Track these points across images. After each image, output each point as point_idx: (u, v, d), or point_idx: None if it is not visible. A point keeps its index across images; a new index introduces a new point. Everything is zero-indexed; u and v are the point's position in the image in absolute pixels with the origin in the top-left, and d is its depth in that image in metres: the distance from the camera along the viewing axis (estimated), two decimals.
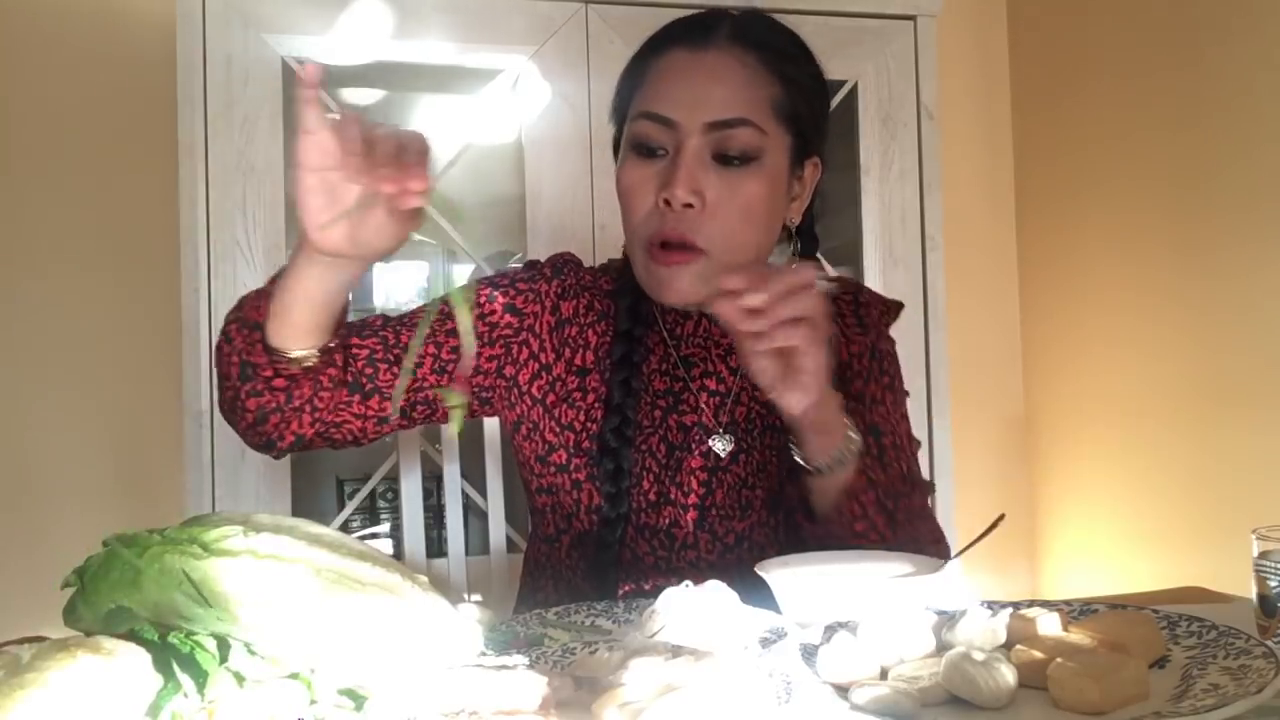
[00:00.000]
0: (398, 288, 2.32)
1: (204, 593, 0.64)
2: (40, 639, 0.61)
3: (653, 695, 0.58)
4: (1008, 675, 0.62)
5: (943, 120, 2.17)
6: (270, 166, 1.80)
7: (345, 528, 1.95)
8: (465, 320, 0.92)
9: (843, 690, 0.64)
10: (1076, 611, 0.77)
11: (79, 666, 0.54)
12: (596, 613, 0.91)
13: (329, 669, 0.62)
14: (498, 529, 1.42)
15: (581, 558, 1.10)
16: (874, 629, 0.68)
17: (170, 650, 0.59)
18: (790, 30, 1.10)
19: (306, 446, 1.05)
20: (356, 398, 1.04)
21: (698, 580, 1.05)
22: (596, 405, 1.09)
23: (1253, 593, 0.76)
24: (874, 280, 2.05)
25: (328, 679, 0.61)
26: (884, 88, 2.09)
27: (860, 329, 1.15)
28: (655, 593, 1.05)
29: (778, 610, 0.82)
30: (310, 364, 0.98)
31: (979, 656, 0.62)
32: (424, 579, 0.70)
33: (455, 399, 0.81)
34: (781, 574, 0.86)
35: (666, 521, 1.08)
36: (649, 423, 1.09)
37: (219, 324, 1.73)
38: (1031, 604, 0.75)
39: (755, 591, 0.84)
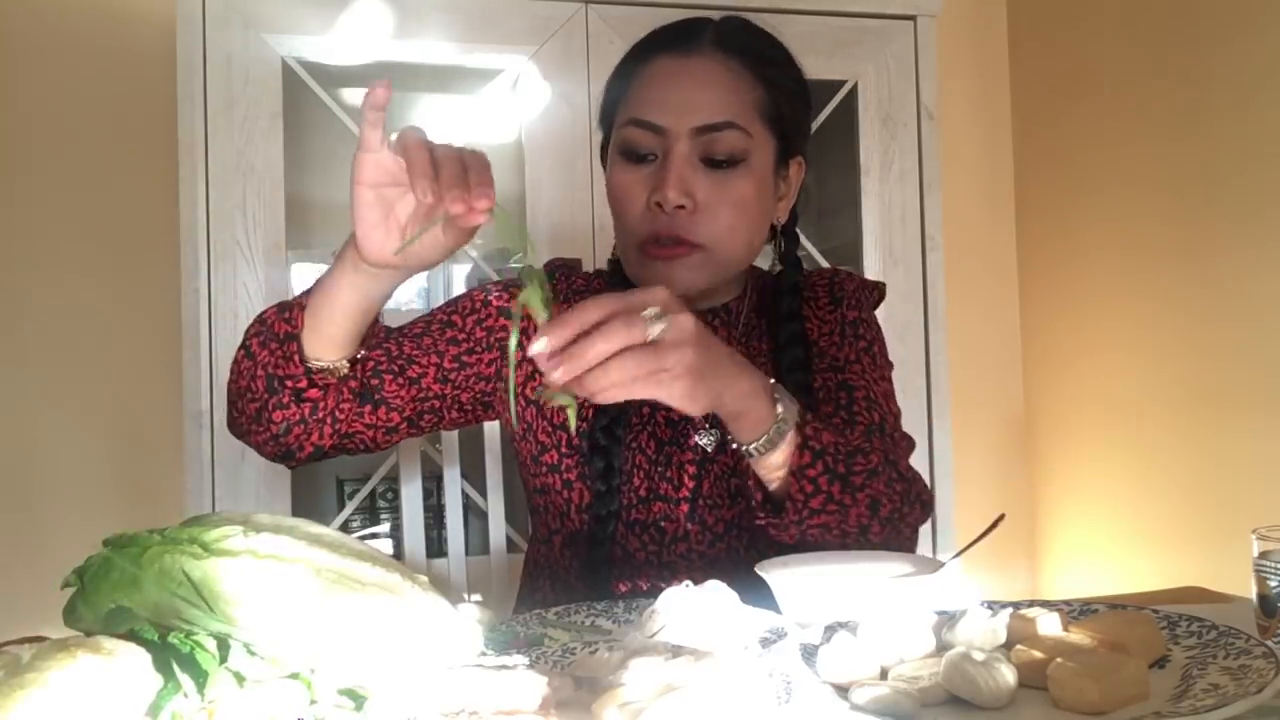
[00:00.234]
0: (397, 287, 2.32)
1: (204, 593, 0.64)
2: (40, 639, 0.61)
3: (653, 695, 0.58)
4: (1008, 675, 0.62)
5: (943, 120, 2.17)
6: (270, 166, 1.80)
7: (345, 528, 1.95)
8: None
9: (843, 690, 0.64)
10: (1076, 611, 0.77)
11: (79, 666, 0.54)
12: (596, 613, 0.91)
13: (329, 669, 0.62)
14: (498, 529, 1.42)
15: (575, 556, 1.11)
16: (874, 629, 0.68)
17: (170, 650, 0.59)
18: (771, 34, 1.12)
19: (323, 456, 1.06)
20: (367, 408, 1.06)
21: (689, 571, 1.06)
22: (586, 405, 1.10)
23: (1253, 593, 0.76)
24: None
25: (328, 679, 0.61)
26: (884, 88, 2.08)
27: (832, 306, 1.17)
28: (651, 589, 1.06)
29: (778, 610, 0.82)
30: (344, 373, 0.99)
31: (979, 656, 0.62)
32: (424, 579, 0.70)
33: (564, 399, 0.80)
34: (781, 574, 0.86)
35: (657, 516, 1.09)
36: (638, 420, 1.11)
37: (219, 324, 1.76)
38: (1031, 604, 0.75)
39: (747, 580, 0.85)
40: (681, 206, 1.03)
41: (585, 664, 0.67)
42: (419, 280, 2.30)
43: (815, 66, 2.02)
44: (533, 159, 1.93)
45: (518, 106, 1.95)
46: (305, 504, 1.90)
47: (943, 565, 0.85)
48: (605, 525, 1.07)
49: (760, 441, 0.91)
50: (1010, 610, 0.71)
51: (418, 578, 0.69)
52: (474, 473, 1.57)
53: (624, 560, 1.09)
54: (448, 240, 0.86)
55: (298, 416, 0.99)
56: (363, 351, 1.01)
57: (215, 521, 0.68)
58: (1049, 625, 0.70)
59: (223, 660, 0.60)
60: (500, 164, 2.27)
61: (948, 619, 0.70)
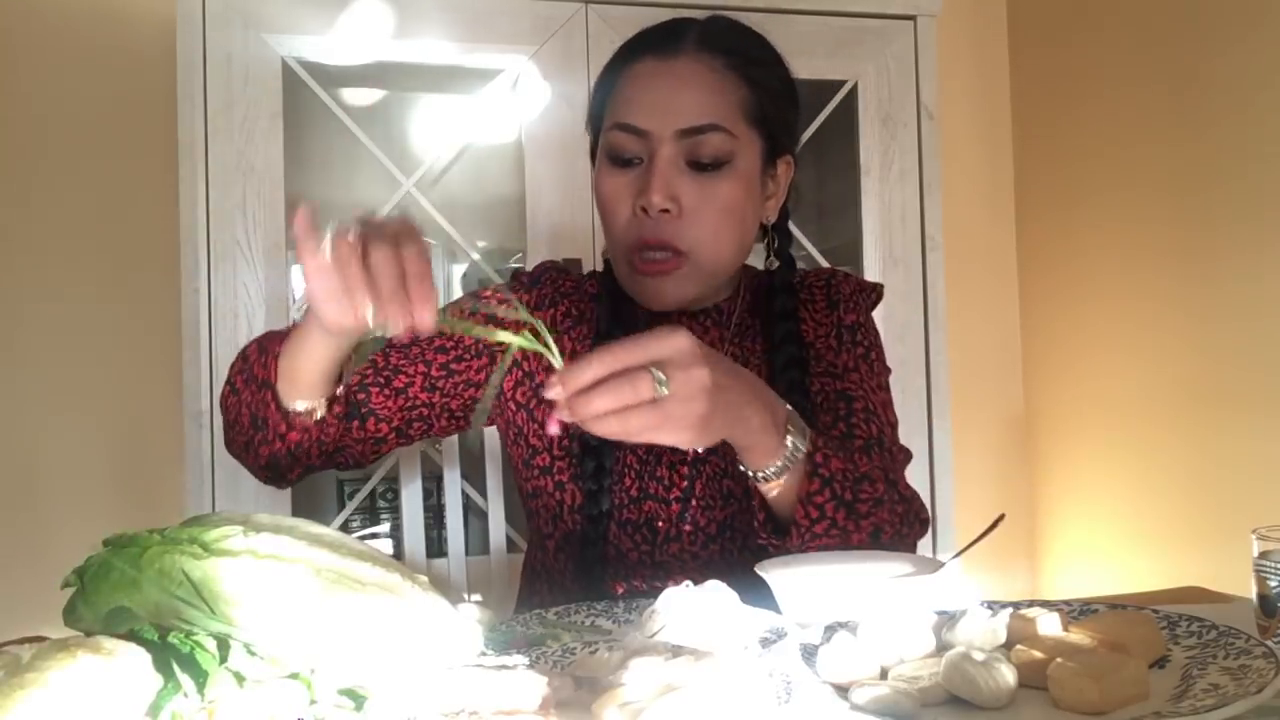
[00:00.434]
0: None
1: (204, 593, 0.64)
2: (40, 639, 0.61)
3: (653, 695, 0.58)
4: (1008, 675, 0.62)
5: (943, 120, 2.17)
6: (270, 166, 1.80)
7: (345, 528, 1.95)
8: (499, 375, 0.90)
9: (843, 690, 0.64)
10: (1076, 611, 0.77)
11: (79, 666, 0.54)
12: (596, 613, 0.91)
13: (329, 669, 0.62)
14: (498, 529, 1.42)
15: (569, 558, 1.11)
16: (874, 629, 0.68)
17: (170, 650, 0.59)
18: (757, 33, 1.12)
19: (314, 473, 1.08)
20: (355, 423, 1.07)
21: (683, 571, 1.06)
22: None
23: (1253, 593, 0.76)
24: (874, 280, 2.05)
25: (328, 679, 0.61)
26: (884, 88, 2.08)
27: (829, 308, 1.17)
28: (646, 589, 1.06)
29: (778, 610, 0.82)
30: (320, 415, 1.00)
31: (979, 656, 0.62)
32: (424, 579, 0.70)
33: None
34: (781, 574, 0.86)
35: (649, 515, 1.08)
36: None
37: (219, 324, 1.76)
38: (1031, 604, 0.75)
39: (742, 580, 0.85)
40: (666, 210, 1.03)
41: (585, 664, 0.67)
42: None
43: (815, 66, 2.05)
44: (533, 159, 1.93)
45: (518, 106, 1.95)
46: (305, 504, 1.90)
47: (943, 565, 0.85)
48: (598, 525, 1.07)
49: (769, 471, 0.92)
50: (1010, 610, 0.71)
51: (418, 578, 0.69)
52: (474, 473, 1.57)
53: (617, 560, 1.09)
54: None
55: (283, 451, 1.01)
56: (340, 388, 1.01)
57: (215, 521, 0.68)
58: (1049, 625, 0.70)
59: (223, 660, 0.60)
60: (500, 164, 2.28)
61: (948, 619, 0.70)
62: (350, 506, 1.96)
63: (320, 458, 1.05)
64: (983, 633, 0.68)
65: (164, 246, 1.89)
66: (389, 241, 0.79)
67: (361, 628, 0.64)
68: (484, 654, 0.69)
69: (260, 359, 0.99)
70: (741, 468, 0.94)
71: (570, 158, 1.91)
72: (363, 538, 1.35)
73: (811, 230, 2.17)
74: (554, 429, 0.82)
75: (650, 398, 0.79)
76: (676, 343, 0.81)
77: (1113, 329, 2.18)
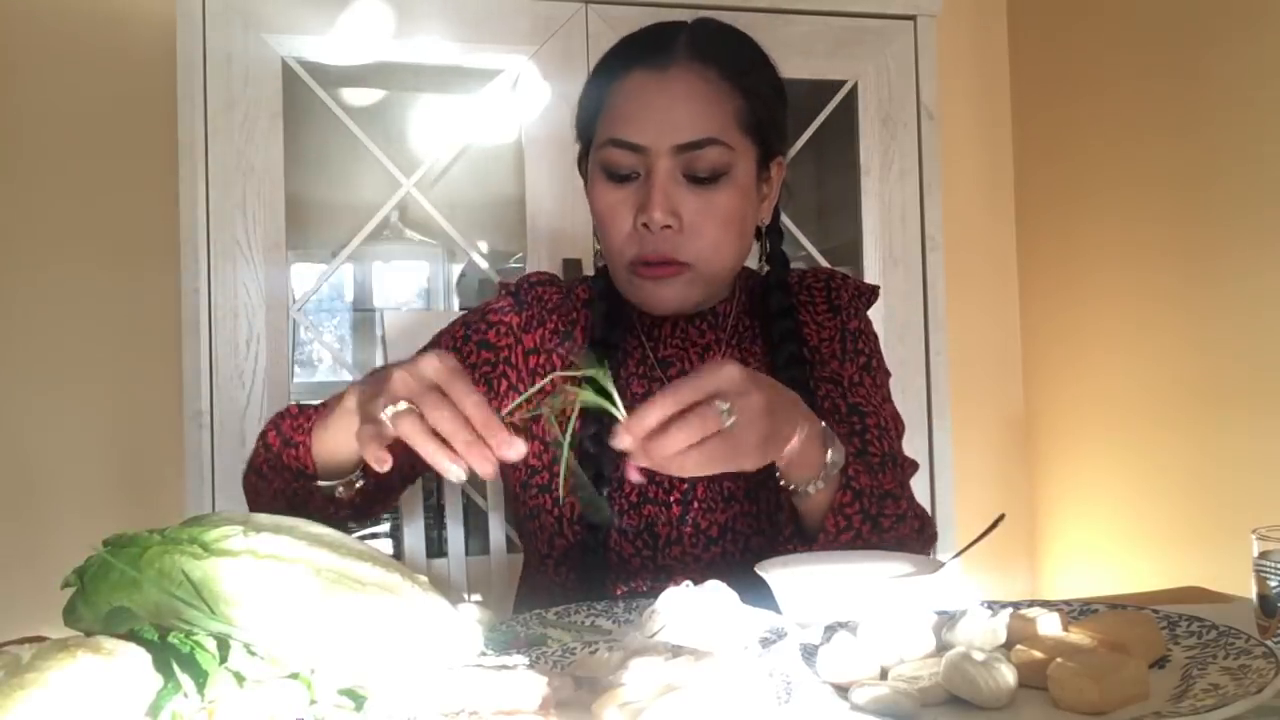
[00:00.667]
0: (397, 288, 2.32)
1: (204, 593, 0.64)
2: (40, 639, 0.61)
3: (653, 695, 0.58)
4: (1008, 675, 0.62)
5: (943, 120, 2.17)
6: (270, 166, 1.80)
7: (345, 528, 1.95)
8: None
9: (843, 690, 0.64)
10: (1076, 611, 0.76)
11: (79, 666, 0.54)
12: (596, 613, 0.91)
13: (329, 669, 0.62)
14: (498, 529, 1.42)
15: (570, 570, 1.11)
16: (874, 629, 0.68)
17: (170, 650, 0.59)
18: (745, 35, 1.11)
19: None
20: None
21: (685, 575, 1.06)
22: (568, 411, 1.10)
23: (1253, 593, 0.76)
24: (874, 280, 2.05)
25: (328, 679, 0.61)
26: (884, 88, 2.09)
27: (830, 312, 1.17)
28: (653, 592, 1.06)
29: (778, 610, 0.82)
30: (360, 483, 1.01)
31: (979, 656, 0.62)
32: (424, 579, 0.70)
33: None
34: (781, 574, 0.86)
35: (649, 520, 1.09)
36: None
37: (219, 324, 1.76)
38: (1031, 604, 0.75)
39: (743, 582, 0.85)
40: (668, 226, 1.03)
41: (585, 664, 0.66)
42: (419, 282, 2.31)
43: (815, 66, 2.05)
44: (532, 159, 1.93)
45: (518, 106, 1.95)
46: None
47: (943, 565, 0.85)
48: (597, 534, 1.08)
49: (812, 483, 0.94)
50: (1010, 610, 0.71)
51: (418, 578, 0.69)
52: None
53: (619, 566, 1.09)
54: None
55: (332, 521, 1.03)
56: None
57: (215, 521, 0.68)
58: (1049, 625, 0.70)
59: (223, 660, 0.60)
60: (500, 164, 2.29)
61: (948, 619, 0.70)
62: None
63: (350, 519, 1.07)
64: (983, 633, 0.68)
65: (164, 246, 1.89)
66: (440, 394, 0.80)
67: (361, 628, 0.64)
68: (484, 654, 0.69)
69: (289, 450, 0.99)
70: (781, 481, 0.96)
71: (570, 158, 1.89)
72: (363, 538, 1.35)
73: (811, 230, 2.17)
74: (636, 476, 0.84)
75: (719, 428, 0.81)
76: (729, 373, 0.83)
77: (1113, 329, 2.18)
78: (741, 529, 1.09)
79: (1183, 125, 1.98)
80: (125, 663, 0.55)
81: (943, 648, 0.67)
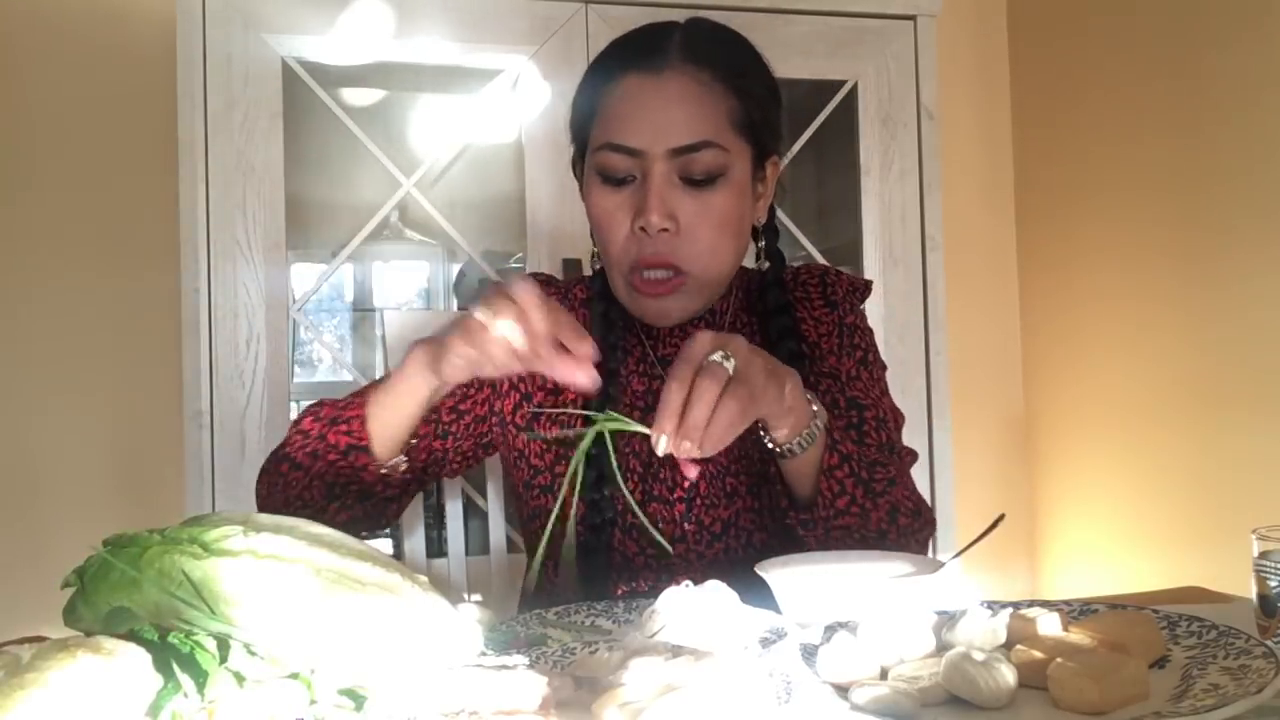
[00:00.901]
0: (397, 288, 2.32)
1: (204, 593, 0.64)
2: (40, 639, 0.61)
3: (653, 695, 0.58)
4: (1008, 675, 0.62)
5: (943, 120, 2.17)
6: (270, 166, 1.80)
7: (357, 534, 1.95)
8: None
9: (843, 690, 0.64)
10: (1076, 611, 0.76)
11: (79, 666, 0.54)
12: (596, 613, 0.91)
13: (329, 669, 0.62)
14: (498, 529, 1.42)
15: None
16: (874, 629, 0.68)
17: (170, 650, 0.59)
18: (738, 35, 1.11)
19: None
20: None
21: (688, 572, 1.06)
22: (577, 420, 1.10)
23: (1253, 593, 0.76)
24: (874, 280, 2.04)
25: (328, 679, 0.61)
26: (884, 88, 2.09)
27: (827, 307, 1.17)
28: (654, 592, 1.06)
29: (778, 610, 0.82)
30: (403, 467, 1.04)
31: (979, 656, 0.62)
32: (424, 579, 0.70)
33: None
34: (781, 574, 0.86)
35: (653, 518, 1.09)
36: None
37: (219, 324, 1.76)
38: (1031, 604, 0.75)
39: (746, 580, 0.85)
40: (665, 230, 1.03)
41: (585, 664, 0.66)
42: (419, 282, 2.31)
43: (815, 66, 2.05)
44: (532, 159, 1.93)
45: (518, 106, 1.95)
46: None
47: (943, 565, 0.85)
48: (600, 534, 1.08)
49: (802, 437, 0.95)
50: (1010, 610, 0.71)
51: (418, 578, 0.69)
52: (474, 473, 1.57)
53: (623, 565, 1.09)
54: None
55: (361, 513, 1.05)
56: (415, 438, 1.05)
57: (215, 521, 0.68)
58: (1049, 625, 0.70)
59: (223, 660, 0.60)
60: (500, 164, 2.28)
61: (948, 619, 0.70)
62: None
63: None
64: (983, 633, 0.68)
65: (164, 246, 1.89)
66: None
67: (361, 628, 0.64)
68: (484, 654, 0.69)
69: (336, 429, 1.01)
70: (769, 443, 0.96)
71: (570, 158, 1.91)
72: (363, 538, 1.35)
73: (811, 230, 2.17)
74: (692, 472, 0.87)
75: (730, 375, 0.84)
76: (703, 336, 0.86)
77: (1113, 329, 2.18)
78: (745, 525, 1.09)
79: (1182, 125, 1.98)
80: (125, 663, 0.55)
81: (943, 648, 0.67)
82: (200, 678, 0.59)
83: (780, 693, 0.61)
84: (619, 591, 1.08)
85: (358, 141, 1.90)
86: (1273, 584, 0.75)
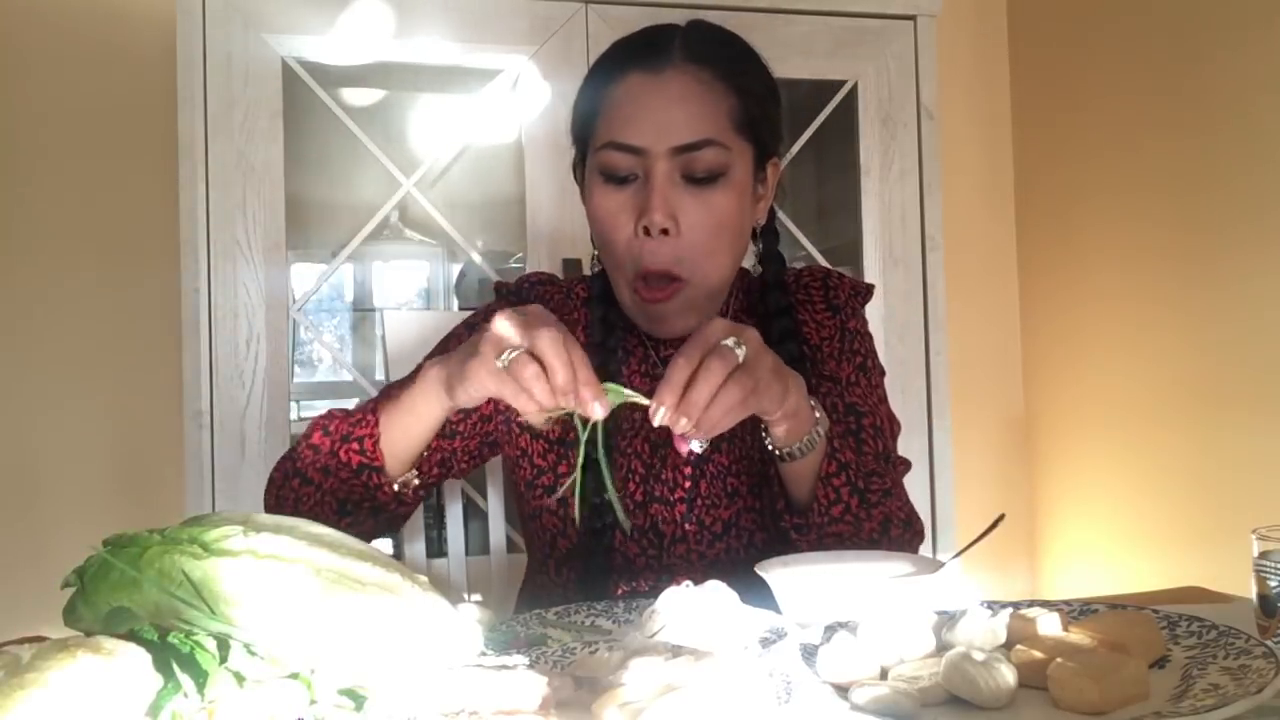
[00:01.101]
0: (397, 288, 2.32)
1: (204, 593, 0.64)
2: (40, 639, 0.61)
3: (653, 695, 0.58)
4: (1008, 675, 0.62)
5: (943, 120, 2.17)
6: (270, 166, 1.80)
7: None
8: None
9: (843, 690, 0.64)
10: (1076, 611, 0.76)
11: (79, 666, 0.54)
12: (596, 613, 0.91)
13: (329, 669, 0.62)
14: (498, 529, 1.42)
15: (572, 572, 1.11)
16: (874, 629, 0.68)
17: (170, 650, 0.59)
18: (737, 37, 1.12)
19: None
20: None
21: (689, 572, 1.06)
22: (575, 417, 1.10)
23: (1253, 593, 0.76)
24: (874, 280, 2.05)
25: (328, 679, 0.61)
26: (884, 88, 2.08)
27: (829, 311, 1.18)
28: (654, 592, 1.06)
29: (778, 610, 0.82)
30: (416, 482, 1.07)
31: (979, 656, 0.62)
32: (424, 579, 0.70)
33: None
34: (781, 574, 0.86)
35: (654, 519, 1.09)
36: (629, 425, 1.11)
37: (219, 324, 1.76)
38: (1031, 604, 0.75)
39: (747, 580, 0.85)
40: (666, 231, 1.03)
41: (585, 664, 0.66)
42: (419, 282, 2.31)
43: (815, 66, 2.05)
44: (532, 159, 1.93)
45: (518, 106, 1.95)
46: None
47: (943, 565, 0.85)
48: (601, 537, 1.08)
49: (803, 442, 0.96)
50: (1010, 610, 0.71)
51: (418, 578, 0.69)
52: (474, 473, 1.57)
53: (624, 567, 1.09)
54: None
55: (372, 527, 1.06)
56: (427, 451, 1.07)
57: (215, 521, 0.68)
58: (1049, 625, 0.70)
59: (223, 660, 0.60)
60: (500, 164, 2.28)
61: (948, 619, 0.70)
62: None
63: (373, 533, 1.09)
64: (983, 633, 0.68)
65: (164, 246, 1.89)
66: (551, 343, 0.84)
67: (361, 628, 0.64)
68: (484, 654, 0.69)
69: (348, 447, 1.02)
70: (770, 445, 0.97)
71: (570, 158, 1.91)
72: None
73: (811, 230, 2.17)
74: (685, 448, 0.90)
75: (739, 362, 0.85)
76: (719, 323, 0.88)
77: (1113, 329, 2.18)
78: (746, 525, 1.09)
79: (1182, 126, 1.98)
80: (125, 663, 0.55)
81: (943, 648, 0.67)
82: (200, 678, 0.59)
83: (780, 693, 0.61)
84: (619, 591, 1.08)
85: (358, 141, 1.90)
86: (1273, 584, 0.75)
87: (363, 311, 2.27)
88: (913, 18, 2.09)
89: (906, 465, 1.16)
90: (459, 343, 1.16)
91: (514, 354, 0.84)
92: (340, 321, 2.36)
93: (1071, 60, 2.29)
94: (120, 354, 1.99)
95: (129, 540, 0.68)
